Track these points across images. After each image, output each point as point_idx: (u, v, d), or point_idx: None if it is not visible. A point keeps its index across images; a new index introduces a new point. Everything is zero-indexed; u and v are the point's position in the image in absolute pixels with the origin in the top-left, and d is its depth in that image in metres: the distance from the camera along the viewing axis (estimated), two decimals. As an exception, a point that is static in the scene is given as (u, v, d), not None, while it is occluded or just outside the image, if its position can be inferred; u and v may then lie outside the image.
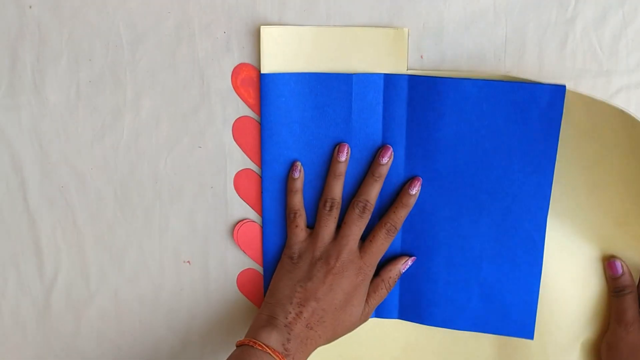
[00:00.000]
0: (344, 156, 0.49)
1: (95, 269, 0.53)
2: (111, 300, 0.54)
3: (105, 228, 0.52)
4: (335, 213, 0.49)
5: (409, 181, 0.49)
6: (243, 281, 0.53)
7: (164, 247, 0.53)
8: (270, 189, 0.50)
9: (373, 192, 0.49)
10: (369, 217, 0.49)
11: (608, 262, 0.50)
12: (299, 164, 0.49)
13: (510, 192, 0.48)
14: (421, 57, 0.49)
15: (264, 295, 0.53)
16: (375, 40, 0.48)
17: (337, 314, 0.48)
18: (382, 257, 0.51)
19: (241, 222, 0.52)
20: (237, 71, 0.49)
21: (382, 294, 0.50)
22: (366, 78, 0.48)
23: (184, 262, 0.53)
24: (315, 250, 0.49)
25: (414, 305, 0.52)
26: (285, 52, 0.48)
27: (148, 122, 0.50)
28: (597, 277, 0.50)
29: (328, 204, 0.49)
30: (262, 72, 0.48)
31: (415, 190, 0.49)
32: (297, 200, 0.50)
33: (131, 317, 0.54)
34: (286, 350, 0.45)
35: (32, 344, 0.55)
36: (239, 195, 0.51)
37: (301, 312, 0.47)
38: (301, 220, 0.50)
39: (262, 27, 0.48)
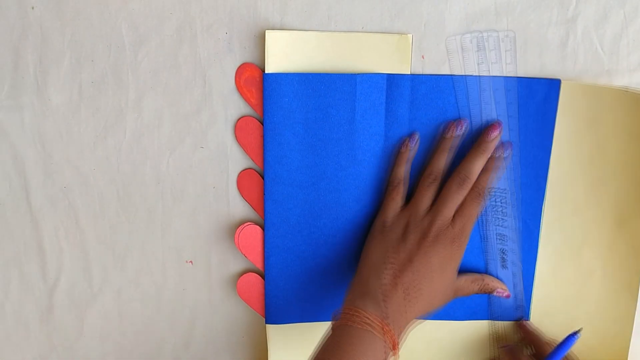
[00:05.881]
0: (451, 132, 0.48)
1: (97, 269, 0.53)
2: (114, 300, 0.54)
3: (108, 228, 0.53)
4: (434, 187, 0.49)
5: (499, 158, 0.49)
6: (243, 287, 0.53)
7: (166, 247, 0.53)
8: (273, 191, 0.50)
9: (476, 165, 0.48)
10: (468, 189, 0.48)
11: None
12: (417, 135, 0.49)
13: (509, 184, 0.50)
14: (422, 57, 0.49)
15: (265, 301, 0.53)
16: (379, 46, 0.48)
17: (433, 281, 0.46)
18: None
19: (242, 226, 0.51)
20: (240, 71, 0.49)
21: (469, 291, 0.50)
22: (369, 78, 0.48)
23: (186, 262, 0.53)
24: (410, 218, 0.48)
25: None
26: (289, 56, 0.48)
27: (150, 122, 0.50)
28: (595, 275, 0.51)
29: (431, 177, 0.49)
30: (265, 72, 0.48)
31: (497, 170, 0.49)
32: (403, 171, 0.49)
33: (134, 317, 0.55)
34: (385, 317, 0.44)
35: (35, 344, 0.55)
36: (242, 196, 0.51)
37: (397, 277, 0.45)
38: (401, 191, 0.49)
39: (267, 31, 0.48)
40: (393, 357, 0.43)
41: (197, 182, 0.51)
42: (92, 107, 0.50)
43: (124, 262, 0.53)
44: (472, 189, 0.48)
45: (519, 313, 0.52)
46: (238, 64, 0.49)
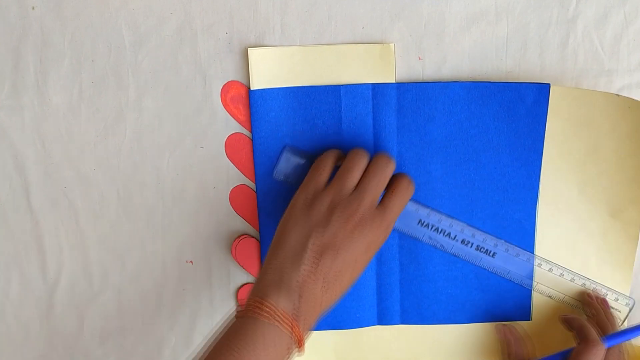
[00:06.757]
0: None
1: (98, 269, 0.53)
2: (114, 300, 0.54)
3: (108, 228, 0.53)
4: (363, 164, 0.45)
5: None
6: (244, 297, 0.53)
7: (166, 247, 0.53)
8: (266, 204, 0.51)
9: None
10: (393, 168, 0.46)
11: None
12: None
13: (501, 186, 0.50)
14: (419, 58, 0.49)
15: None
16: (363, 56, 0.48)
17: (356, 268, 0.43)
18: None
19: (238, 239, 0.52)
20: (225, 89, 0.49)
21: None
22: (354, 89, 0.48)
23: (187, 262, 0.53)
24: (334, 197, 0.44)
25: (415, 307, 0.52)
26: (273, 72, 0.48)
27: (150, 122, 0.50)
28: (590, 262, 0.52)
29: (359, 153, 0.46)
30: (251, 89, 0.49)
31: None
32: (330, 160, 0.46)
33: (134, 317, 0.55)
34: (297, 311, 0.40)
35: (36, 344, 0.55)
36: (236, 211, 0.51)
37: (317, 265, 0.41)
38: (326, 170, 0.46)
39: (249, 49, 0.48)
40: (298, 352, 0.40)
41: (197, 181, 0.51)
42: (93, 107, 0.50)
43: (124, 262, 0.53)
44: (405, 175, 0.46)
45: (521, 311, 0.53)
46: (238, 64, 0.49)
